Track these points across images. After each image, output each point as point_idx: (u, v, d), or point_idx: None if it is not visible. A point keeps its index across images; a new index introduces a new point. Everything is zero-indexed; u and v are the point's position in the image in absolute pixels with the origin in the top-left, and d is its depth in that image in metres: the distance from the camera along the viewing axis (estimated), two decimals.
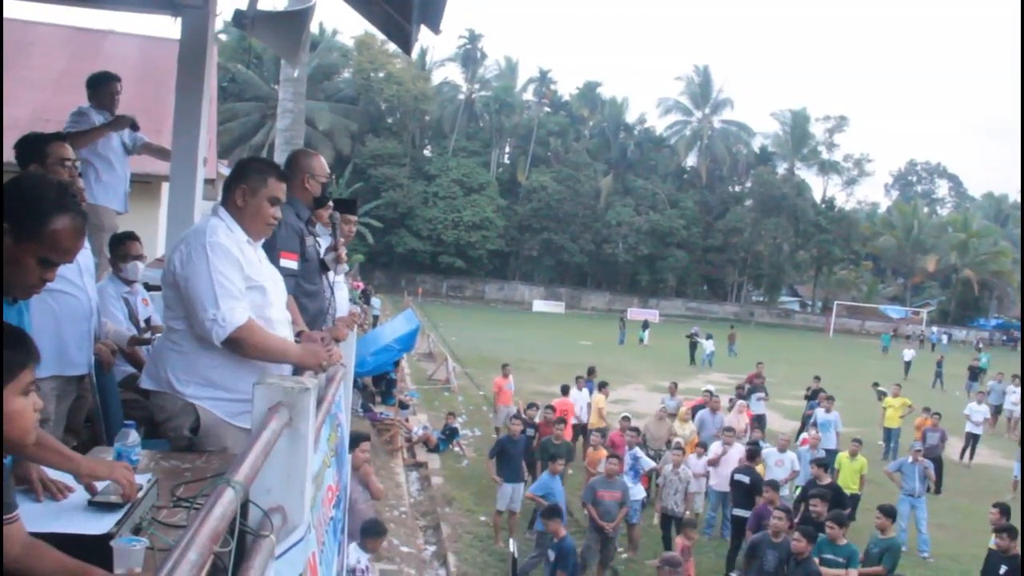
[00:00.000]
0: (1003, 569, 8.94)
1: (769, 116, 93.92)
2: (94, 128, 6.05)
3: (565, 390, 17.29)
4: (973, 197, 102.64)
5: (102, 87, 6.35)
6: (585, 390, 17.53)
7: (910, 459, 13.74)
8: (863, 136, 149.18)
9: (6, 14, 12.36)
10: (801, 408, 20.85)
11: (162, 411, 3.43)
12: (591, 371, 19.12)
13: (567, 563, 9.57)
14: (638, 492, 12.53)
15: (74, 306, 3.89)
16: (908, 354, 38.12)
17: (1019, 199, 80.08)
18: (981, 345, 55.33)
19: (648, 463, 12.95)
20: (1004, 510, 10.54)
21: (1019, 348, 51.93)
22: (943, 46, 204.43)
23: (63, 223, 2.31)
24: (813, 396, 19.50)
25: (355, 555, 7.52)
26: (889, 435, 19.57)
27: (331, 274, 4.72)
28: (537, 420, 14.42)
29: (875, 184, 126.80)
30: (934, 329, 63.59)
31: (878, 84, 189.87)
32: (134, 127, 6.40)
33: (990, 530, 10.37)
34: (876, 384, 23.44)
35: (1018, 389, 24.19)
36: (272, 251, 3.83)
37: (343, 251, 4.73)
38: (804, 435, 15.88)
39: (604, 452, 12.71)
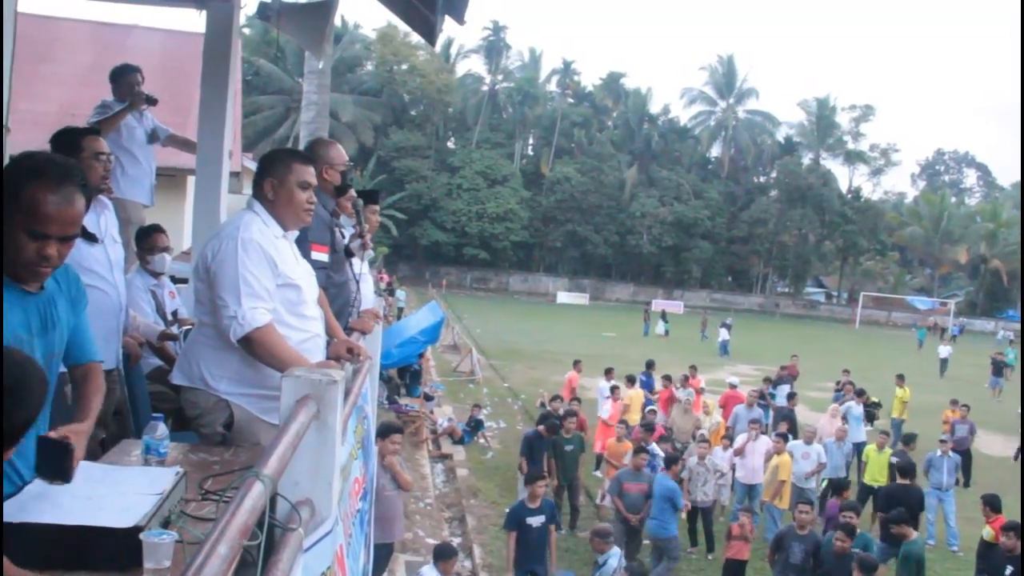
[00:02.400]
0: (1009, 570, 8.76)
1: (795, 106, 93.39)
2: (114, 113, 6.08)
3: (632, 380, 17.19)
4: (1002, 186, 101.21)
5: (122, 78, 6.39)
6: (613, 381, 17.39)
7: (939, 452, 13.60)
8: (890, 125, 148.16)
9: (33, 10, 12.49)
10: (827, 400, 20.70)
11: (194, 407, 3.43)
12: (650, 364, 19.01)
13: (555, 517, 9.86)
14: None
15: (103, 301, 3.91)
16: (944, 351, 35.39)
17: None
18: (1013, 337, 54.12)
19: (660, 456, 12.76)
20: (987, 501, 10.44)
21: None
22: (971, 33, 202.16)
23: (40, 189, 2.22)
24: (839, 390, 19.37)
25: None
26: (894, 426, 19.41)
27: (356, 263, 4.71)
28: (562, 412, 14.37)
29: (902, 174, 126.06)
30: (950, 321, 62.59)
31: (905, 72, 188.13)
32: (150, 101, 6.40)
33: (984, 521, 10.32)
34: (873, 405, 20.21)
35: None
36: (303, 243, 3.82)
37: (368, 237, 4.71)
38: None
39: (629, 444, 12.66)
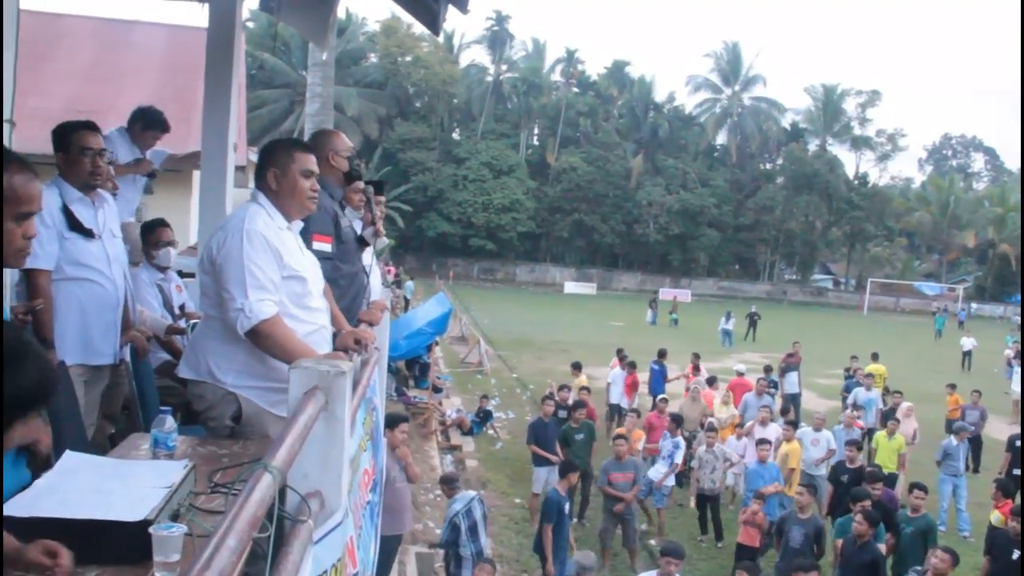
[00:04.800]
0: (1016, 554, 8.74)
1: (802, 91, 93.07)
2: (118, 165, 5.88)
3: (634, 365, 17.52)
4: (1010, 170, 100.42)
5: (150, 130, 6.13)
6: (618, 369, 17.47)
7: (954, 441, 13.54)
8: (896, 110, 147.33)
9: (37, 6, 12.50)
10: (837, 388, 20.71)
11: (202, 400, 3.41)
12: (662, 353, 19.07)
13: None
14: (670, 479, 12.46)
15: (100, 295, 3.90)
16: (968, 343, 32.55)
17: None
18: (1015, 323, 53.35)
19: (678, 459, 12.73)
20: (1001, 485, 10.41)
21: None
22: (978, 16, 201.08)
23: (17, 173, 2.31)
24: (850, 376, 19.36)
25: None
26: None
27: (366, 254, 4.68)
28: (571, 402, 14.40)
29: (909, 159, 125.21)
30: (974, 306, 62.03)
31: (911, 56, 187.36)
32: (152, 176, 6.23)
33: (992, 505, 10.34)
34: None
35: (1017, 368, 23.53)
36: (306, 234, 3.81)
37: (381, 225, 4.68)
38: (843, 414, 15.70)
39: (641, 433, 12.68)
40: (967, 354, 32.47)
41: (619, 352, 18.77)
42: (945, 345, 38.88)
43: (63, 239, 3.77)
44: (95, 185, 4.03)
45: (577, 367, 17.83)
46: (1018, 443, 13.21)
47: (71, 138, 3.94)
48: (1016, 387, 21.06)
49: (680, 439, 12.80)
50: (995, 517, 10.20)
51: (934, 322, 47.66)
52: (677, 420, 13.26)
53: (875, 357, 20.95)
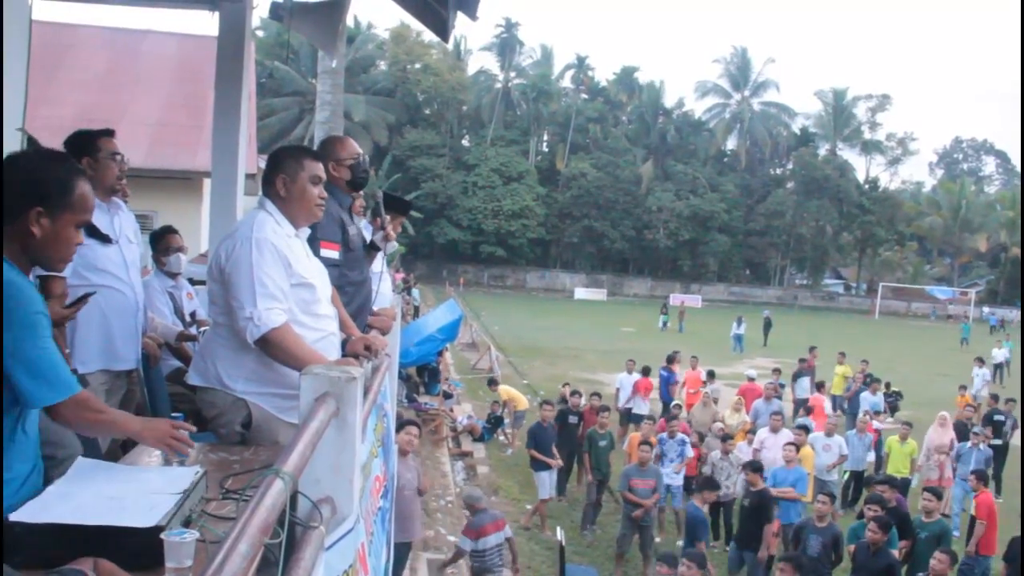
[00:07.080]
0: None
1: (812, 96, 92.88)
2: None
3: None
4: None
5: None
6: (635, 374, 17.46)
7: (968, 444, 13.45)
8: (907, 114, 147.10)
9: (48, 16, 12.57)
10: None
11: (212, 407, 3.42)
12: (671, 359, 19.07)
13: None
14: (679, 477, 12.45)
15: (120, 301, 3.92)
16: (1000, 355, 29.91)
17: None
18: (1008, 331, 51.63)
19: (690, 452, 12.72)
20: (980, 475, 10.42)
21: None
22: (989, 18, 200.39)
23: (84, 182, 2.36)
24: (866, 381, 19.27)
25: None
26: (834, 402, 19.55)
27: (377, 261, 4.67)
28: (583, 407, 14.39)
29: (919, 163, 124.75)
30: (985, 310, 61.59)
31: (922, 60, 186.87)
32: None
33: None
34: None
35: (982, 371, 23.56)
36: (313, 241, 3.80)
37: (391, 229, 4.67)
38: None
39: (654, 439, 12.65)
40: (998, 367, 29.68)
41: (672, 356, 19.15)
42: (972, 353, 37.82)
43: (80, 246, 3.78)
44: (119, 190, 4.06)
45: (493, 383, 18.52)
46: (995, 418, 13.26)
47: (98, 144, 3.95)
48: (974, 390, 21.19)
49: (684, 436, 12.78)
50: (971, 506, 10.25)
51: (960, 329, 45.78)
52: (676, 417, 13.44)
53: (842, 356, 21.25)
